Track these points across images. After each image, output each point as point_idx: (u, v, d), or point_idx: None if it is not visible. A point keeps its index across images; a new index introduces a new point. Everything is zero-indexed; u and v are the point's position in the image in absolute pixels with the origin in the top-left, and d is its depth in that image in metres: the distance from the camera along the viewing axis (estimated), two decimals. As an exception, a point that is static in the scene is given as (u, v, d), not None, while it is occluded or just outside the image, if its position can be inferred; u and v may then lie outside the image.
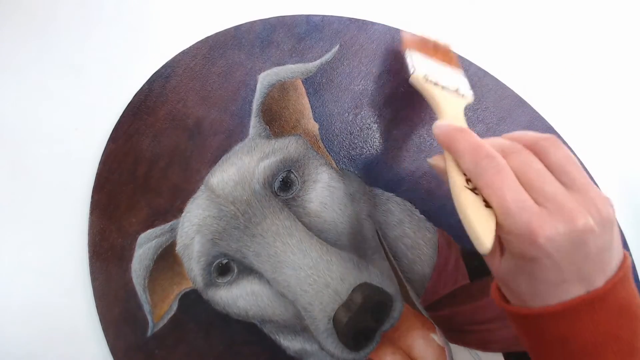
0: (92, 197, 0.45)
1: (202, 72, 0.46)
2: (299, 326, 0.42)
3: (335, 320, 0.38)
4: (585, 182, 0.27)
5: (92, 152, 0.46)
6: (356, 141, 0.45)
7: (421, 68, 0.38)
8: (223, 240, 0.42)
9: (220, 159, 0.45)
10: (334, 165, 0.45)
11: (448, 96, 0.37)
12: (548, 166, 0.28)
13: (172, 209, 0.44)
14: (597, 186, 0.30)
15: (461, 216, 0.28)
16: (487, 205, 0.28)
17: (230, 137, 0.45)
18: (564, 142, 0.45)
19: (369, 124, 0.46)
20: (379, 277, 0.41)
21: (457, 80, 0.39)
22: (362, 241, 0.43)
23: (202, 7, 0.49)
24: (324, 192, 0.43)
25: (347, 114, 0.46)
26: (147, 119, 0.45)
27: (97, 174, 0.45)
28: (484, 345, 0.43)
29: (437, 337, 0.42)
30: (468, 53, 0.46)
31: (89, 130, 0.47)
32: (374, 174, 0.45)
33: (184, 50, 0.46)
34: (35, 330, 0.45)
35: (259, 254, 0.41)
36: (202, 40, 0.46)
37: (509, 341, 0.43)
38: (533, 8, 0.49)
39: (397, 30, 0.46)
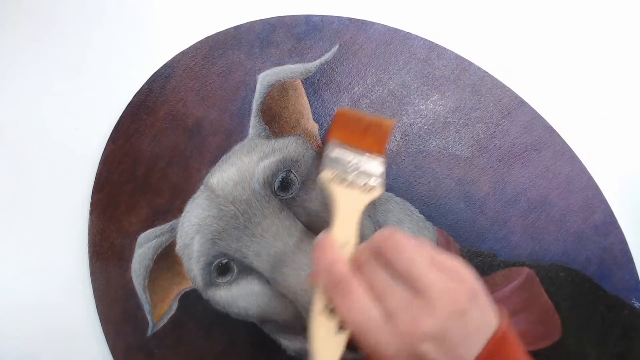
0: (92, 197, 0.45)
1: (202, 72, 0.46)
2: (299, 326, 0.42)
3: (334, 320, 0.38)
4: (429, 281, 0.27)
5: (92, 152, 0.46)
6: (356, 141, 0.45)
7: (331, 166, 0.37)
8: (223, 240, 0.42)
9: (220, 159, 0.45)
10: (334, 165, 0.45)
11: (350, 195, 0.36)
12: (394, 271, 0.29)
13: (172, 209, 0.44)
14: (454, 267, 0.29)
15: (310, 343, 0.30)
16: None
17: (229, 137, 0.45)
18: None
19: (369, 124, 0.46)
20: (379, 276, 0.41)
21: (371, 172, 0.37)
22: (362, 241, 0.43)
23: (202, 7, 0.49)
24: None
25: (346, 114, 0.45)
26: (147, 119, 0.46)
27: (97, 174, 0.45)
28: (484, 345, 0.43)
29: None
30: (468, 53, 0.46)
31: (89, 130, 0.47)
32: (374, 174, 0.45)
33: (183, 51, 0.46)
34: (35, 330, 0.46)
35: (258, 253, 0.41)
36: (202, 40, 0.46)
37: (508, 341, 0.43)
38: (533, 8, 0.49)
39: (397, 30, 0.46)
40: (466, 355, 0.27)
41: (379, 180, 0.37)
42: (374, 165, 0.38)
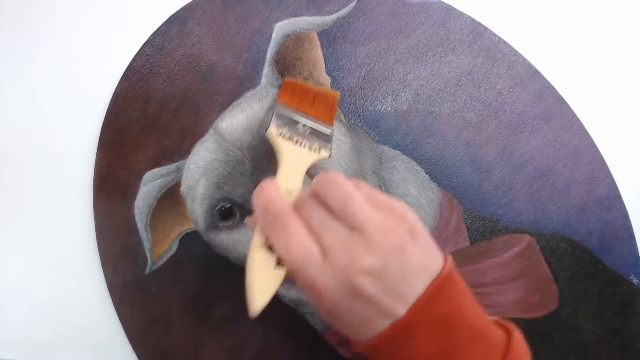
0: (101, 132, 0.45)
1: (219, 17, 0.46)
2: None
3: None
4: (365, 216, 0.27)
5: (104, 89, 0.46)
6: (367, 97, 0.46)
7: (279, 122, 0.37)
8: (228, 185, 0.42)
9: (230, 104, 0.45)
10: (343, 119, 0.45)
11: (297, 151, 0.36)
12: (331, 210, 0.28)
13: (179, 150, 0.45)
14: (390, 204, 0.29)
15: (246, 275, 0.30)
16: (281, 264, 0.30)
17: (242, 84, 0.45)
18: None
19: (381, 81, 0.46)
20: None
21: (320, 136, 0.38)
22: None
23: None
24: (331, 144, 0.43)
25: (359, 69, 0.46)
26: (162, 60, 0.46)
27: (107, 110, 0.46)
28: (480, 305, 0.43)
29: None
30: (484, 18, 0.46)
31: (102, 67, 0.47)
32: (382, 131, 0.45)
33: (202, -4, 0.47)
34: (34, 261, 0.46)
35: (262, 196, 0.41)
36: (222, -13, 0.47)
37: (505, 306, 0.43)
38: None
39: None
40: (408, 293, 0.27)
41: (328, 144, 0.37)
42: (324, 131, 0.38)
